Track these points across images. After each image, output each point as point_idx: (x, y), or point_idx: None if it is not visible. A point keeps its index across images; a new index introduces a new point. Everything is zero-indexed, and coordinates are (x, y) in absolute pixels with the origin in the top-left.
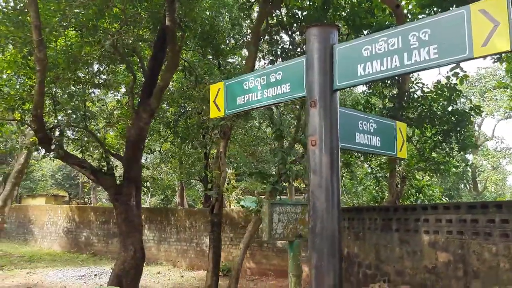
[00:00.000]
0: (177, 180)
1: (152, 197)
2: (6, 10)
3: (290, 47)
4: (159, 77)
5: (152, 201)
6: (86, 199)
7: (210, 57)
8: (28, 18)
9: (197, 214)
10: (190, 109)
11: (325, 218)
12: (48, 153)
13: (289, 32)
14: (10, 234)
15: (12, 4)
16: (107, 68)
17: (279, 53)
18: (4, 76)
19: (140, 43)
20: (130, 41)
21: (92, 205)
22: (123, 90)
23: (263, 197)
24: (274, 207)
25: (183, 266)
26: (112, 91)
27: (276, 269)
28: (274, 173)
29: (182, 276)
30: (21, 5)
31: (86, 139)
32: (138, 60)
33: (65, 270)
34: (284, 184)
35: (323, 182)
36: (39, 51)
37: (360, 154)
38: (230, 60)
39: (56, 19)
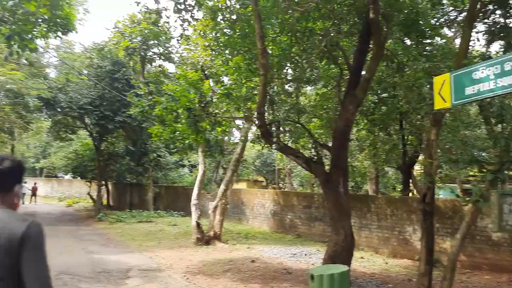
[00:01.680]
0: (373, 168)
1: None
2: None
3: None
4: (365, 68)
5: None
6: (280, 184)
7: (412, 42)
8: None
9: (398, 202)
10: (386, 96)
11: None
12: (269, 145)
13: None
14: (227, 213)
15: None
16: (316, 65)
17: (496, 33)
18: (226, 81)
19: (344, 38)
20: (338, 38)
21: (286, 189)
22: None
23: (480, 186)
24: (505, 198)
25: (385, 253)
26: (317, 86)
27: (490, 263)
28: (493, 161)
29: (386, 263)
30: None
31: (298, 131)
32: (341, 53)
33: (277, 248)
34: (507, 173)
35: None
36: (263, 57)
37: None
38: (430, 41)
39: (275, 28)
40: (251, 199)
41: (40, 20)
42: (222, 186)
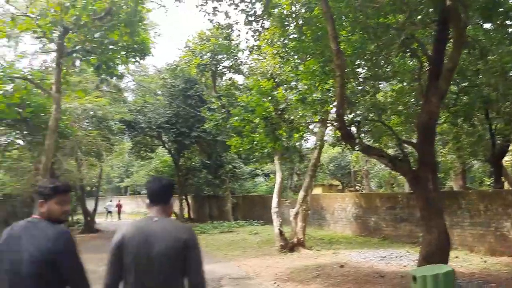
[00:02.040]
0: (458, 162)
1: None
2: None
3: None
4: (446, 58)
5: None
6: (357, 187)
7: (494, 26)
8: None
9: (492, 197)
10: (468, 85)
11: None
12: (351, 147)
13: None
14: (308, 219)
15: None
16: (391, 60)
17: None
18: (300, 86)
19: (419, 29)
20: (413, 30)
21: (363, 191)
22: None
23: None
24: None
25: (481, 252)
26: (392, 82)
27: None
28: None
29: (484, 262)
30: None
31: (379, 130)
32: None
33: (364, 251)
34: None
35: None
36: (338, 58)
37: None
38: None
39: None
40: (330, 203)
41: (120, 48)
42: (302, 192)
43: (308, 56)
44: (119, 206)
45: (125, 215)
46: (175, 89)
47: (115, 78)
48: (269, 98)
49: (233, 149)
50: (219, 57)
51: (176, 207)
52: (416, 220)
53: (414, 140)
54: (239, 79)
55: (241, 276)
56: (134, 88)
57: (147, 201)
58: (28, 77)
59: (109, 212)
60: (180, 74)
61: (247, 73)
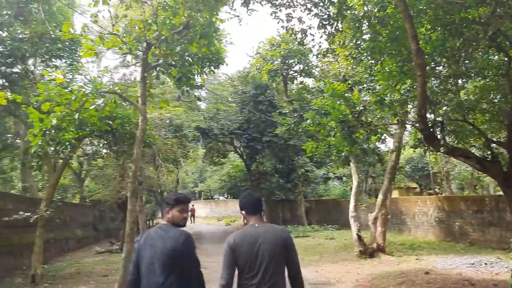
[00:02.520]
0: None
1: None
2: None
3: None
4: None
5: None
6: (436, 189)
7: None
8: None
9: None
10: None
11: None
12: (435, 149)
13: None
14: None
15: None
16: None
17: None
18: (378, 87)
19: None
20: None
21: (444, 194)
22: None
23: None
24: None
25: None
26: (475, 79)
27: None
28: None
29: None
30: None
31: (464, 130)
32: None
33: (450, 258)
34: None
35: None
36: (418, 57)
37: None
38: None
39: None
40: (410, 207)
41: (196, 59)
42: (380, 196)
43: (384, 56)
44: (192, 211)
45: (200, 219)
46: (246, 95)
47: (195, 89)
48: (344, 100)
49: (308, 153)
50: (290, 61)
51: None
52: (506, 224)
53: (502, 140)
54: (310, 82)
55: (321, 282)
56: (207, 96)
57: (244, 212)
58: (117, 91)
59: None
60: (251, 80)
61: (318, 76)
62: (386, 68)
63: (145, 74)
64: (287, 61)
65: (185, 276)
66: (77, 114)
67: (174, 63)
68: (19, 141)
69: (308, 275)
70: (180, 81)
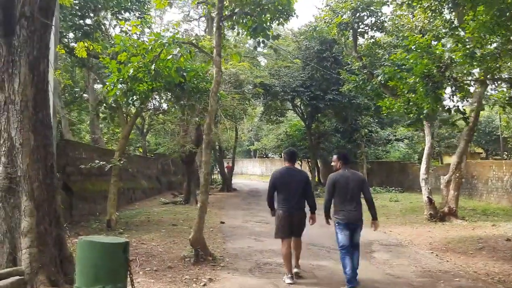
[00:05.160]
0: None
1: None
2: None
3: None
4: None
5: None
6: (504, 155)
7: None
8: None
9: None
10: None
11: None
12: None
13: None
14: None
15: None
16: None
17: None
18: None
19: None
20: None
21: None
22: None
23: None
24: None
25: None
26: None
27: None
28: None
29: None
30: None
31: None
32: None
33: None
34: None
35: None
36: None
37: None
38: None
39: None
40: (484, 172)
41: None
42: (455, 159)
43: (475, 4)
44: (228, 168)
45: (255, 176)
46: (310, 51)
47: (271, 40)
48: (428, 54)
49: (385, 110)
50: (362, 14)
51: (308, 171)
52: None
53: None
54: (381, 37)
55: (392, 243)
56: (269, 52)
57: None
58: (193, 41)
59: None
60: (316, 35)
61: (390, 31)
62: (481, 18)
63: (221, 24)
64: (358, 14)
65: (305, 194)
66: (153, 64)
67: (250, 11)
68: (86, 95)
69: (377, 236)
70: (255, 31)
